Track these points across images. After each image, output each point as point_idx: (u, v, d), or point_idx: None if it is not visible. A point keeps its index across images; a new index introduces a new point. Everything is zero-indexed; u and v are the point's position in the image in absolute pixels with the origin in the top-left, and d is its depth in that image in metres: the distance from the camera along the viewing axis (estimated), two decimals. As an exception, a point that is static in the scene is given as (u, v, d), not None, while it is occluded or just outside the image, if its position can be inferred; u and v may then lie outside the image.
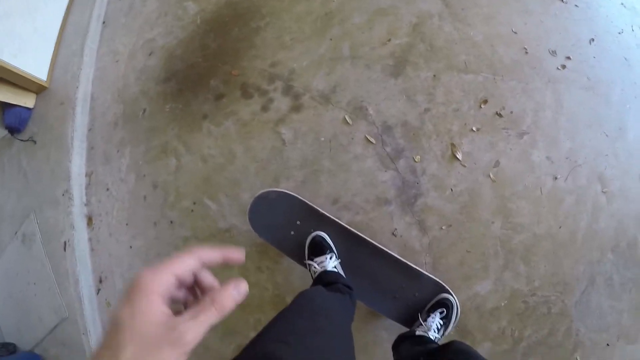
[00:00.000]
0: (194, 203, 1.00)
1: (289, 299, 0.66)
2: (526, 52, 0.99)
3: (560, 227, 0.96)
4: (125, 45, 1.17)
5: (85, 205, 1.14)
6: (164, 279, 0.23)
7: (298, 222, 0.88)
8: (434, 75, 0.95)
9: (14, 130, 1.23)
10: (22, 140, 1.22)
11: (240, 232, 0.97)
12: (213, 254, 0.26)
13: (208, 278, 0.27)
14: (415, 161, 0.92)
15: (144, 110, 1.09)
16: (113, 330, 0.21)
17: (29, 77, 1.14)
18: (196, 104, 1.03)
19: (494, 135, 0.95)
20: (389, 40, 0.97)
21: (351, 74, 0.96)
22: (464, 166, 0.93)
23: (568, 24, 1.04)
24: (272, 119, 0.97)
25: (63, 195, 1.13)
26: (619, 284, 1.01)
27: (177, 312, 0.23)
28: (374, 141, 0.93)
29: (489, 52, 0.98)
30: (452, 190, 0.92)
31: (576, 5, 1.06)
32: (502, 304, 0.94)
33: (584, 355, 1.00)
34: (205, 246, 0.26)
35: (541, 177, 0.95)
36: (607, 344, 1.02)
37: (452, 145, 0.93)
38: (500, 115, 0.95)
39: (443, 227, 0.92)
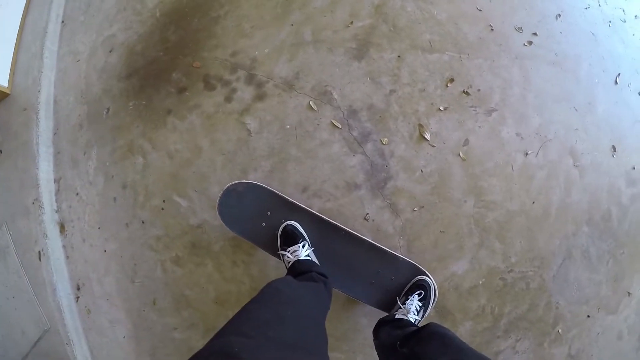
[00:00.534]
0: (164, 201, 0.98)
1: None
2: (492, 30, 0.98)
3: (533, 203, 0.96)
4: (85, 44, 1.13)
5: (57, 212, 1.11)
6: None
7: (268, 213, 0.87)
8: (398, 56, 0.94)
9: (-23, 139, 1.18)
10: (-14, 149, 1.18)
11: (212, 227, 0.95)
12: None
13: None
14: (383, 144, 0.91)
15: (108, 109, 1.06)
16: None
17: (-13, 84, 1.10)
18: (159, 100, 1.01)
19: (462, 113, 0.94)
20: (352, 22, 0.95)
21: (314, 59, 0.94)
22: (433, 146, 0.92)
23: (534, 0, 1.03)
24: (236, 110, 0.95)
25: (33, 203, 1.10)
26: (596, 256, 1.02)
27: None
28: (340, 126, 0.91)
29: (453, 30, 0.96)
30: (422, 171, 0.92)
31: (540, -21, 1.05)
32: (480, 282, 0.94)
33: (566, 328, 1.01)
34: None
35: (512, 153, 0.95)
36: (588, 316, 1.03)
37: (420, 125, 0.92)
38: (467, 93, 0.94)
39: (415, 209, 0.91)
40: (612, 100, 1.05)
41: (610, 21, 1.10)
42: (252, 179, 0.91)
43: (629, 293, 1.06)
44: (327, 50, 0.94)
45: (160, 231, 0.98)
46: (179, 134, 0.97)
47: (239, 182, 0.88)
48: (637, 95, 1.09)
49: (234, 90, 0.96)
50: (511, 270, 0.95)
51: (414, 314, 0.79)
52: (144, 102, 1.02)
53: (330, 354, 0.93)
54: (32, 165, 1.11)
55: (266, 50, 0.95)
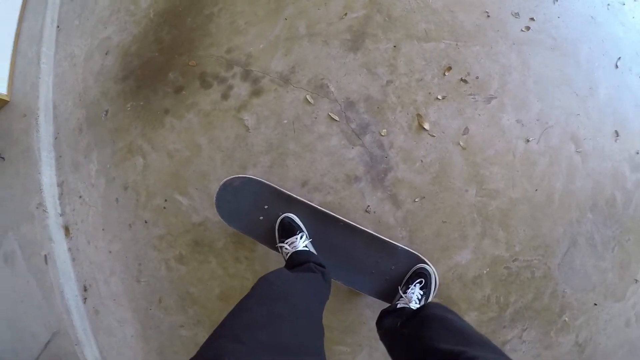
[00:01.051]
0: (165, 200, 0.98)
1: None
2: (488, 16, 0.97)
3: (536, 190, 0.95)
4: (81, 48, 1.13)
5: (61, 215, 1.12)
6: None
7: (266, 207, 0.87)
8: (394, 46, 0.93)
9: (-21, 147, 1.20)
10: (-11, 157, 1.19)
11: (214, 224, 0.96)
12: None
13: None
14: (381, 135, 0.91)
15: (106, 112, 1.06)
16: None
17: (-13, 91, 1.11)
18: (156, 100, 1.01)
19: (461, 102, 0.93)
20: (346, 14, 0.94)
21: (309, 53, 0.93)
22: (432, 136, 0.91)
23: (530, -17, 1.01)
24: (233, 106, 0.94)
25: (37, 208, 1.11)
26: (601, 243, 1.01)
27: None
28: (337, 118, 0.91)
29: (449, 18, 0.95)
30: (422, 161, 0.91)
31: (536, -38, 1.03)
32: (484, 272, 0.93)
33: (572, 316, 1.00)
34: None
35: (512, 140, 0.94)
36: (595, 304, 1.02)
37: (418, 115, 0.91)
38: (465, 81, 0.93)
39: (416, 200, 0.91)
40: (613, 84, 1.03)
41: (608, 4, 1.08)
42: (252, 174, 0.91)
43: (635, 280, 1.05)
44: (322, 43, 0.93)
45: (163, 230, 0.99)
46: (177, 133, 0.98)
47: (235, 177, 0.88)
48: (639, 78, 1.07)
49: (230, 87, 0.95)
50: (515, 259, 0.95)
51: (416, 303, 0.78)
52: (141, 103, 1.03)
53: (335, 348, 0.94)
54: (35, 170, 1.12)
55: (261, 46, 0.95)
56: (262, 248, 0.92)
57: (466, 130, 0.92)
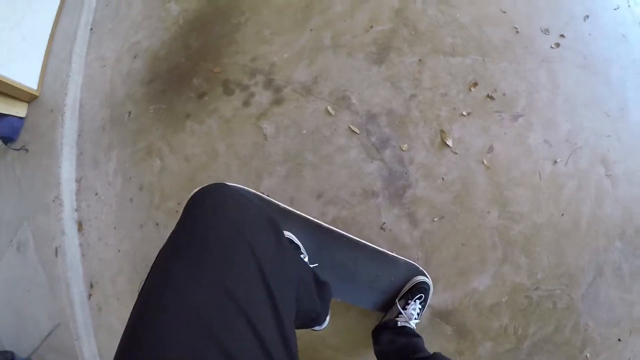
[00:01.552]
0: (178, 204, 0.98)
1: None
2: (517, 32, 0.95)
3: (562, 215, 0.90)
4: (112, 51, 1.18)
5: (76, 210, 1.14)
6: None
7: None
8: (419, 60, 0.92)
9: (7, 139, 1.24)
10: (15, 149, 1.23)
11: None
12: None
13: None
14: (402, 150, 0.88)
15: (129, 113, 1.09)
16: None
17: (19, 87, 1.16)
18: (179, 104, 1.02)
19: (486, 119, 0.90)
20: (371, 27, 0.94)
21: (333, 64, 0.93)
22: (455, 153, 0.88)
23: (560, 1, 0.99)
24: (253, 114, 0.95)
25: (54, 201, 1.13)
26: (629, 274, 0.94)
27: None
28: (358, 131, 0.89)
29: (476, 33, 0.94)
30: (443, 179, 0.88)
31: (568, -18, 1.01)
32: (503, 300, 0.88)
33: (595, 352, 0.93)
34: None
35: (539, 161, 0.90)
36: (619, 339, 0.94)
37: (442, 131, 0.89)
38: (491, 98, 0.91)
39: (435, 219, 0.87)
40: (647, 106, 0.99)
41: (641, 23, 1.04)
42: (267, 184, 0.90)
43: (667, 317, 0.97)
44: (347, 54, 0.93)
45: (174, 233, 0.99)
46: (196, 137, 0.98)
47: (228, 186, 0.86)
48: (674, 101, 1.02)
49: (252, 94, 0.96)
50: (537, 288, 0.89)
51: (415, 319, 0.77)
52: (164, 106, 1.04)
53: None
54: (55, 164, 1.15)
55: (285, 55, 0.96)
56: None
57: (491, 149, 0.89)
